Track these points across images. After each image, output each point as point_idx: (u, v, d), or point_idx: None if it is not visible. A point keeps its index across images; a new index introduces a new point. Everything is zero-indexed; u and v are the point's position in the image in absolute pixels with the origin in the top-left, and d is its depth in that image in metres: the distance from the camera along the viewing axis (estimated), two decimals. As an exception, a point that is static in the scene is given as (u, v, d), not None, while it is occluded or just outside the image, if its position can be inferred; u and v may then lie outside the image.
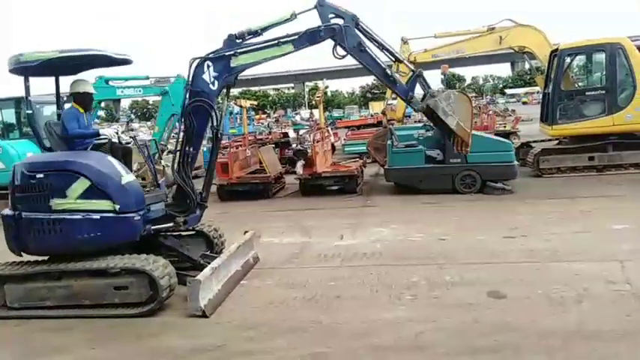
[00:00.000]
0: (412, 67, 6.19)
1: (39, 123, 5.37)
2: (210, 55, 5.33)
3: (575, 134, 10.72)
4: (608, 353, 3.45)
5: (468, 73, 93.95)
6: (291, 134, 18.82)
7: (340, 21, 5.71)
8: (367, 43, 5.91)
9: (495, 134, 13.18)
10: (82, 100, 5.35)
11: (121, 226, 4.78)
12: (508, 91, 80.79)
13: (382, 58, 6.21)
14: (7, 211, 4.96)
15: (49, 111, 12.17)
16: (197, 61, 5.32)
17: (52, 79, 5.64)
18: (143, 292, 4.63)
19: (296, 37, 5.46)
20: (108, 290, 4.68)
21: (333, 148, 15.45)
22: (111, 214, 4.73)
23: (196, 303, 4.48)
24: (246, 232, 6.08)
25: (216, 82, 5.28)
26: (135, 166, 5.44)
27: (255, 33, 5.43)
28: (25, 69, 4.92)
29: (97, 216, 4.70)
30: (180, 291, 4.85)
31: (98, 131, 5.43)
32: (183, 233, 5.96)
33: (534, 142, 12.51)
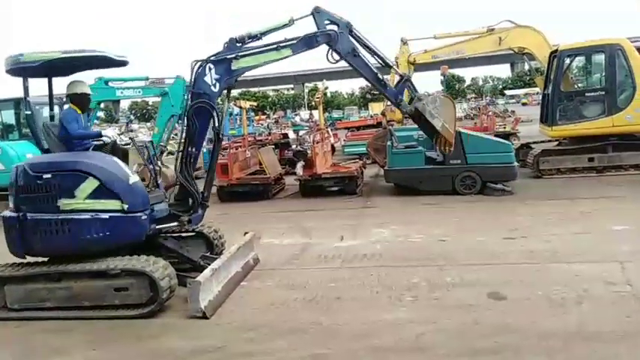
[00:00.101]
0: (401, 72, 6.56)
1: (38, 124, 5.37)
2: (212, 58, 5.42)
3: (574, 135, 10.72)
4: (609, 354, 3.45)
5: (467, 74, 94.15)
6: (291, 135, 18.82)
7: (335, 27, 5.94)
8: (360, 48, 6.17)
9: (495, 135, 13.18)
10: (80, 101, 5.37)
11: (129, 225, 4.82)
12: (508, 92, 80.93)
13: (373, 62, 6.51)
14: (9, 213, 4.90)
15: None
16: (199, 63, 5.40)
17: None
18: (143, 294, 4.63)
19: (294, 41, 5.69)
20: (108, 291, 4.68)
21: (333, 149, 15.45)
22: (119, 214, 4.76)
23: (197, 304, 4.48)
24: (246, 233, 6.08)
25: (217, 84, 5.39)
26: (135, 167, 5.44)
27: (255, 37, 5.59)
28: (25, 69, 4.91)
29: (105, 215, 4.72)
30: (181, 292, 4.84)
31: (100, 132, 5.49)
32: (184, 234, 5.99)
33: (534, 143, 12.52)
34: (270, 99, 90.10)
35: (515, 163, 9.65)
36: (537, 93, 44.79)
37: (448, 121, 6.45)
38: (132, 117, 78.79)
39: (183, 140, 5.50)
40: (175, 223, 5.35)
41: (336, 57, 6.03)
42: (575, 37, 11.64)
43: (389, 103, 16.33)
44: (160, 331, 4.38)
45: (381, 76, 6.31)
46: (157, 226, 5.20)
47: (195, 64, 5.40)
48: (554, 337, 3.69)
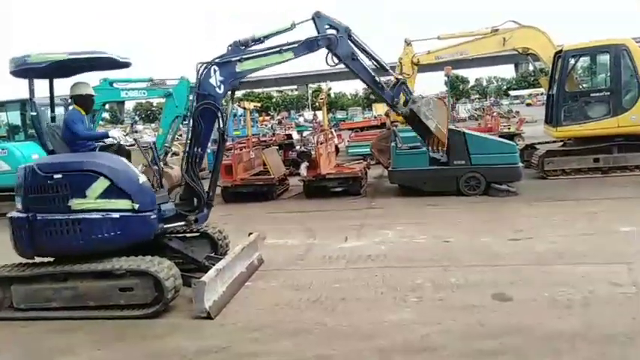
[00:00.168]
0: (397, 76, 6.76)
1: (43, 125, 5.40)
2: (217, 60, 5.51)
3: (579, 136, 10.68)
4: (616, 356, 3.43)
5: (471, 74, 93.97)
6: (295, 136, 18.85)
7: (334, 32, 6.15)
8: (358, 52, 6.43)
9: (499, 136, 13.15)
10: (84, 102, 5.41)
11: (139, 224, 4.87)
12: (512, 92, 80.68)
13: (368, 63, 6.75)
14: (17, 214, 4.90)
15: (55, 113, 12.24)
16: (204, 65, 5.49)
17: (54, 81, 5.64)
18: (148, 294, 4.64)
19: (296, 45, 5.87)
20: (113, 292, 4.69)
21: (337, 149, 15.44)
22: (130, 213, 4.80)
23: (201, 304, 4.49)
24: (250, 233, 6.09)
25: (222, 86, 5.49)
26: (139, 168, 5.48)
27: (259, 40, 5.74)
28: (31, 70, 4.93)
29: (116, 215, 4.75)
30: (185, 293, 4.86)
31: (107, 133, 5.54)
32: (188, 235, 6.02)
33: (539, 143, 12.48)
34: (274, 100, 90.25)
35: (520, 164, 9.62)
36: (542, 93, 44.63)
37: (441, 122, 6.72)
38: (136, 118, 79.08)
39: (189, 141, 5.55)
40: (182, 223, 5.42)
41: (335, 60, 6.25)
42: (574, 37, 11.67)
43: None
44: (165, 331, 4.39)
45: (378, 79, 6.54)
46: (165, 226, 5.26)
47: (201, 67, 5.48)
48: (560, 339, 3.67)
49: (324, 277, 5.43)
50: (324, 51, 6.28)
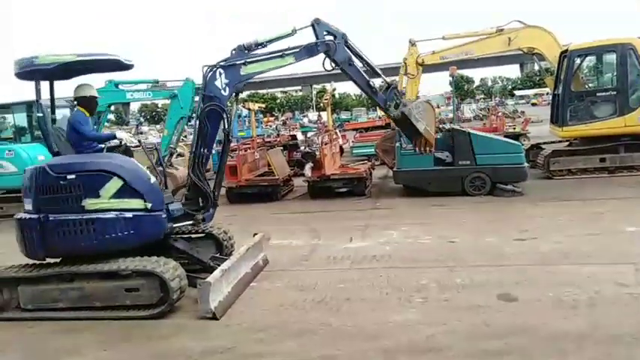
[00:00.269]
0: (388, 81, 7.15)
1: (49, 126, 5.43)
2: (222, 63, 5.66)
3: (585, 135, 10.63)
4: (622, 356, 3.42)
5: (476, 74, 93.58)
6: (300, 137, 18.86)
7: (332, 38, 6.45)
8: (353, 57, 6.74)
9: (505, 136, 13.10)
10: (88, 104, 5.47)
11: (151, 223, 4.95)
12: (517, 92, 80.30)
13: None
14: (27, 215, 4.90)
15: (60, 115, 12.30)
16: (210, 68, 5.62)
17: (57, 82, 5.68)
18: (154, 294, 4.66)
19: (297, 50, 6.16)
20: (119, 292, 4.72)
21: (342, 150, 15.46)
22: (142, 213, 4.86)
23: (207, 305, 4.50)
24: (255, 234, 6.11)
25: (227, 89, 5.63)
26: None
27: (262, 45, 5.95)
28: (39, 72, 4.96)
29: (129, 214, 4.81)
30: (191, 293, 4.88)
31: (114, 134, 5.60)
32: (193, 236, 6.06)
33: (544, 143, 12.42)
34: (278, 101, 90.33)
35: (526, 164, 9.58)
36: (547, 93, 44.42)
37: (429, 124, 7.11)
38: (141, 119, 79.44)
39: (195, 141, 5.63)
40: (190, 222, 5.50)
41: (332, 65, 6.58)
42: (574, 37, 11.60)
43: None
44: (171, 331, 4.41)
45: (372, 84, 6.91)
46: (174, 225, 5.32)
47: (207, 69, 5.60)
48: (566, 339, 3.66)
49: (328, 278, 5.44)
50: (322, 54, 6.59)
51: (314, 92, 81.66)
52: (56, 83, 5.61)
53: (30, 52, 5.07)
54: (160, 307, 4.65)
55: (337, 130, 18.10)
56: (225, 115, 5.66)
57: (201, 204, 5.62)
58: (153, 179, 5.09)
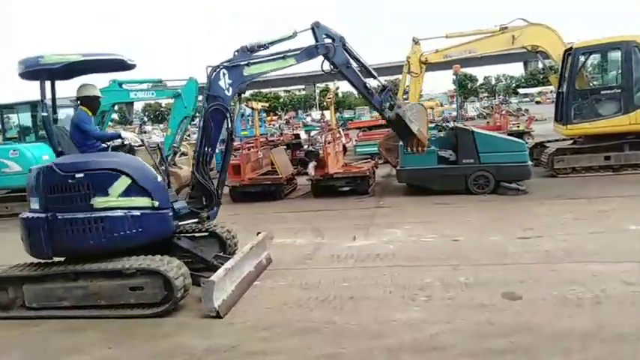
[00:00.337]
0: (383, 83, 7.39)
1: (53, 126, 5.45)
2: (225, 64, 5.75)
3: (590, 134, 10.58)
4: (628, 355, 3.40)
5: (480, 73, 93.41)
6: (303, 136, 18.87)
7: (330, 41, 6.67)
8: (350, 60, 7.01)
9: (509, 134, 13.08)
10: (90, 103, 5.49)
11: (158, 221, 5.00)
12: (521, 90, 80.00)
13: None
14: (33, 214, 4.90)
15: (64, 114, 12.36)
16: (213, 68, 5.71)
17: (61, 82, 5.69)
18: (158, 293, 4.67)
19: (298, 52, 6.34)
20: (123, 291, 4.73)
21: (345, 149, 15.43)
22: (149, 211, 4.90)
23: (210, 303, 4.51)
24: (258, 233, 6.12)
25: (230, 89, 5.73)
26: None
27: (264, 46, 6.09)
28: (44, 72, 4.97)
29: (137, 212, 4.84)
30: (195, 292, 4.89)
31: (120, 134, 5.64)
32: (197, 234, 6.08)
33: (548, 141, 12.38)
34: (281, 100, 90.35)
35: (530, 162, 9.55)
36: (551, 91, 44.27)
37: (422, 125, 7.44)
38: (145, 119, 79.62)
39: (200, 140, 5.68)
40: (195, 220, 5.55)
41: (330, 67, 6.84)
42: (574, 37, 11.49)
43: (401, 102, 16.32)
44: (175, 329, 4.42)
45: (368, 86, 7.15)
46: (180, 223, 5.37)
47: (211, 70, 5.69)
48: (571, 338, 3.64)
49: (332, 276, 5.43)
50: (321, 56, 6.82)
51: (317, 91, 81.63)
52: (56, 83, 5.62)
53: (30, 52, 5.06)
54: (164, 306, 4.66)
55: (340, 129, 18.08)
56: (228, 115, 5.73)
57: (205, 202, 5.65)
58: (159, 177, 5.13)
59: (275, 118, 50.36)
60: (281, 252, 6.49)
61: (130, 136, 5.58)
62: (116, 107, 13.58)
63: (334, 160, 11.12)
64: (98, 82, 5.76)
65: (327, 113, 28.31)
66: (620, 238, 5.95)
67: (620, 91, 10.32)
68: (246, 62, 5.85)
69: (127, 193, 4.83)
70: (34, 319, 4.87)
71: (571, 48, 10.79)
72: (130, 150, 5.50)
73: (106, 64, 5.56)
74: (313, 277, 5.46)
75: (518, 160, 9.32)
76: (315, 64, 6.95)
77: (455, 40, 12.59)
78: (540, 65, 18.37)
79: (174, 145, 12.02)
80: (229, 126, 5.82)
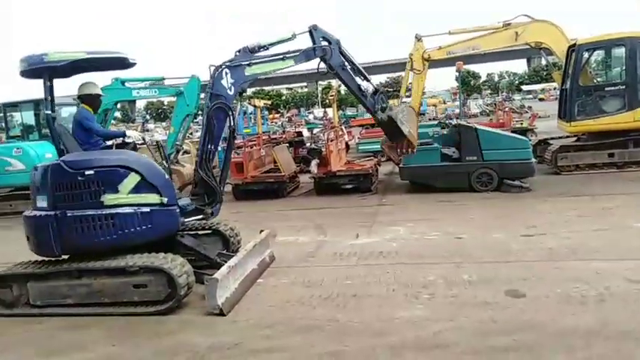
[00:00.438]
0: (375, 85, 7.65)
1: (56, 124, 5.46)
2: (227, 63, 5.87)
3: (594, 130, 10.53)
4: (632, 353, 3.38)
5: (483, 69, 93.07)
6: (305, 133, 18.86)
7: (326, 43, 6.89)
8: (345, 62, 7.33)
9: (512, 131, 13.03)
10: (92, 101, 5.53)
11: (167, 217, 5.04)
12: (524, 87, 79.74)
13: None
14: (40, 212, 4.89)
15: (67, 112, 12.39)
16: (216, 67, 5.81)
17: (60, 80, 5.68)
18: (161, 290, 4.68)
19: (297, 54, 6.58)
20: (127, 288, 4.74)
21: (347, 146, 15.42)
22: (158, 207, 4.95)
23: (214, 301, 4.52)
24: (261, 230, 6.12)
25: (232, 88, 5.84)
26: None
27: (264, 47, 6.30)
28: (48, 69, 4.97)
29: (147, 209, 4.88)
30: (198, 290, 4.90)
31: (124, 132, 5.71)
32: (200, 232, 6.10)
33: (552, 138, 12.33)
34: (284, 97, 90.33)
35: (533, 160, 9.52)
36: (555, 88, 44.07)
37: (413, 128, 7.69)
38: (147, 117, 79.75)
39: (203, 138, 5.73)
40: (200, 216, 5.62)
41: (325, 68, 7.12)
42: (573, 36, 11.41)
43: (404, 100, 16.33)
44: (178, 327, 4.43)
45: (362, 88, 7.40)
46: (186, 219, 5.42)
47: (213, 69, 5.79)
48: (575, 335, 3.63)
49: (335, 274, 5.43)
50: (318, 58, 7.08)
51: (319, 88, 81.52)
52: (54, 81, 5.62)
53: (31, 51, 5.05)
54: (168, 303, 4.67)
55: (343, 127, 18.06)
56: (230, 113, 5.83)
57: (208, 199, 5.71)
58: (166, 174, 5.19)
59: (277, 115, 50.38)
60: (284, 250, 6.50)
61: (134, 135, 5.63)
62: (119, 105, 13.58)
63: (337, 157, 11.11)
64: (96, 80, 5.77)
65: (329, 111, 28.30)
66: (624, 236, 5.93)
67: (624, 87, 10.27)
68: (247, 62, 5.99)
69: (136, 189, 4.86)
70: (38, 317, 4.89)
71: (575, 44, 10.73)
72: (134, 148, 5.53)
73: (107, 62, 5.56)
74: (316, 275, 5.46)
75: (522, 158, 9.29)
76: (317, 62, 7.10)
77: (458, 37, 12.54)
78: (544, 62, 18.30)
79: (177, 142, 12.05)
80: (231, 124, 5.92)
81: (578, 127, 10.62)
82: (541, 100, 58.07)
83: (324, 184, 10.80)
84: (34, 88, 5.28)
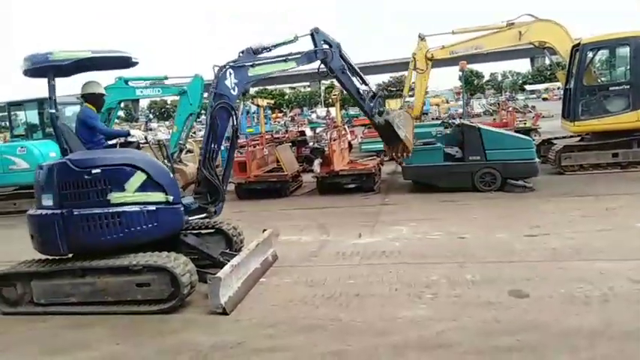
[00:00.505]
0: (373, 90, 7.83)
1: (59, 122, 5.47)
2: (231, 64, 5.96)
3: (598, 130, 10.50)
4: (636, 353, 3.37)
5: (486, 69, 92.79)
6: (308, 133, 18.83)
7: (327, 46, 7.08)
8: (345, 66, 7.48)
9: (515, 131, 12.98)
10: (95, 100, 5.56)
11: (172, 216, 5.08)
12: (528, 87, 79.51)
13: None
14: (45, 211, 4.89)
15: (70, 112, 12.44)
16: (220, 68, 5.89)
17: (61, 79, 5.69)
18: (165, 289, 4.69)
19: (299, 56, 6.76)
20: (130, 287, 4.76)
21: (350, 146, 15.42)
22: (164, 205, 4.98)
23: (217, 300, 4.53)
24: (264, 230, 6.12)
25: (236, 88, 5.94)
26: None
27: (267, 49, 6.44)
28: (53, 68, 4.99)
29: (153, 207, 4.91)
30: (201, 288, 4.91)
31: (129, 132, 5.74)
32: (203, 231, 6.11)
33: (555, 138, 12.29)
34: (286, 97, 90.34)
35: (537, 160, 9.49)
36: (558, 88, 43.89)
37: (409, 132, 7.82)
38: (151, 116, 79.91)
39: (206, 137, 5.78)
40: (204, 215, 5.65)
41: (326, 70, 7.30)
42: (573, 36, 11.38)
43: (407, 99, 16.31)
44: (181, 326, 4.44)
45: (361, 91, 7.57)
46: (190, 218, 5.46)
47: (218, 69, 5.86)
48: (578, 336, 3.62)
49: (338, 274, 5.43)
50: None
51: (322, 88, 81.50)
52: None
53: (31, 50, 5.05)
54: (171, 302, 4.68)
55: (346, 126, 18.04)
56: (233, 113, 5.89)
57: (211, 198, 5.74)
58: (171, 173, 5.23)
59: (280, 115, 50.35)
60: (286, 249, 6.50)
61: (138, 134, 5.66)
62: (122, 104, 13.61)
63: (340, 157, 11.10)
64: (97, 79, 5.78)
65: (332, 110, 28.29)
66: (628, 236, 5.91)
67: (628, 87, 10.23)
68: (251, 63, 6.10)
69: (142, 188, 4.89)
70: (42, 315, 4.91)
71: (579, 44, 10.69)
72: (137, 148, 5.56)
73: (111, 62, 5.58)
74: (319, 275, 5.46)
75: (525, 157, 9.26)
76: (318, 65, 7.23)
77: (461, 37, 12.53)
78: (547, 61, 18.24)
79: (180, 142, 12.06)
80: (234, 123, 5.96)
81: (582, 126, 10.58)
82: (544, 99, 57.93)
83: (327, 184, 10.80)
84: (33, 88, 5.30)
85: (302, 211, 9.45)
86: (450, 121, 11.79)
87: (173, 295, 4.69)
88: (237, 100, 6.67)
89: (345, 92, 8.00)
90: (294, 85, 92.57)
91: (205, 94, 11.92)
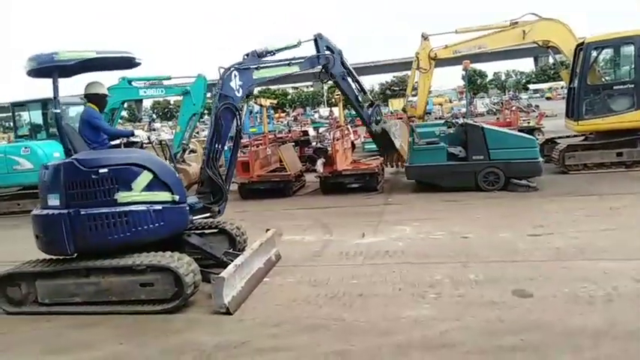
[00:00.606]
0: (371, 98, 8.17)
1: (64, 122, 5.49)
2: (236, 66, 6.09)
3: (602, 129, 10.45)
4: (640, 354, 3.36)
5: (489, 68, 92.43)
6: (311, 132, 18.85)
7: (329, 52, 7.35)
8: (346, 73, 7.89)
9: (519, 130, 12.95)
10: (98, 101, 5.59)
11: (178, 215, 5.13)
12: (531, 86, 79.27)
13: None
14: (51, 210, 4.89)
15: (74, 112, 12.49)
16: (225, 69, 6.01)
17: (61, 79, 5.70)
18: (168, 289, 4.71)
19: (302, 60, 6.98)
20: (134, 287, 4.77)
21: (353, 145, 15.39)
22: (170, 205, 5.03)
23: (220, 300, 4.53)
24: (267, 229, 6.13)
25: (241, 90, 6.07)
26: None
27: (271, 52, 6.60)
28: (58, 68, 5.00)
29: (159, 207, 4.95)
30: (205, 288, 4.92)
31: (133, 132, 5.82)
32: (207, 231, 6.13)
33: (559, 138, 12.25)
34: (289, 97, 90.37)
35: (540, 159, 9.45)
36: (562, 87, 43.79)
37: (404, 142, 8.12)
38: (154, 116, 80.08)
39: (210, 137, 5.84)
40: (208, 214, 5.71)
41: (328, 77, 7.58)
42: (579, 34, 11.36)
43: (410, 99, 16.30)
44: (185, 326, 4.45)
45: (360, 99, 7.86)
46: (194, 217, 5.50)
47: (223, 71, 5.96)
48: (582, 335, 3.61)
49: (341, 273, 5.44)
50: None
51: (325, 88, 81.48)
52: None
53: (30, 52, 5.08)
54: (175, 302, 4.69)
55: (349, 126, 18.03)
56: (237, 114, 5.97)
57: (214, 197, 5.79)
58: (176, 173, 5.27)
59: (283, 115, 50.38)
60: (290, 249, 6.51)
61: (142, 134, 5.73)
62: (125, 105, 13.66)
63: (343, 156, 11.09)
64: (98, 79, 5.81)
65: (335, 110, 28.28)
66: (632, 235, 5.88)
67: (633, 86, 10.18)
68: (255, 66, 6.24)
69: (149, 187, 4.93)
70: (47, 315, 4.94)
71: (583, 43, 10.66)
72: (140, 147, 5.60)
73: (115, 62, 5.60)
74: (322, 274, 5.47)
75: (529, 157, 9.24)
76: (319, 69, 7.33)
77: (464, 36, 12.51)
78: (551, 60, 18.19)
79: (184, 142, 12.10)
80: (238, 124, 6.05)
81: (586, 126, 10.55)
82: (548, 99, 57.69)
83: (330, 184, 10.80)
84: (33, 88, 5.33)
85: (305, 210, 9.46)
86: (454, 121, 11.77)
87: (177, 295, 4.70)
88: (242, 102, 6.79)
89: (345, 96, 8.14)
90: (296, 84, 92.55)
91: (208, 95, 11.95)
